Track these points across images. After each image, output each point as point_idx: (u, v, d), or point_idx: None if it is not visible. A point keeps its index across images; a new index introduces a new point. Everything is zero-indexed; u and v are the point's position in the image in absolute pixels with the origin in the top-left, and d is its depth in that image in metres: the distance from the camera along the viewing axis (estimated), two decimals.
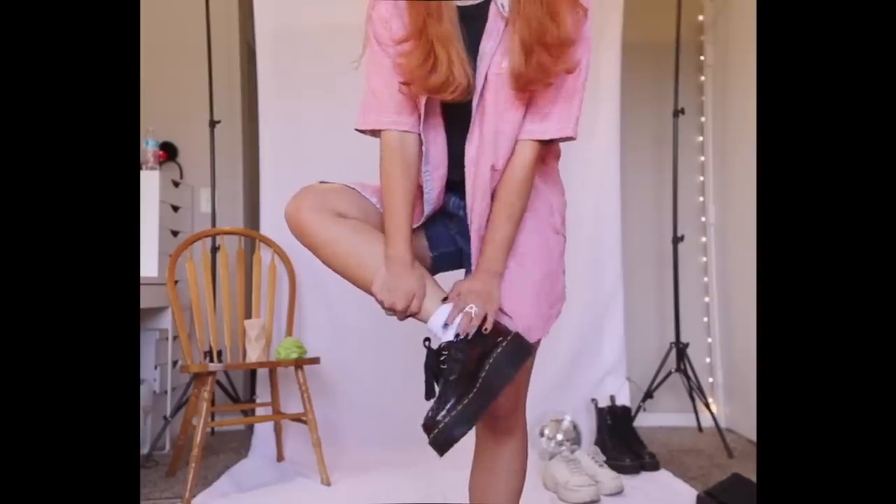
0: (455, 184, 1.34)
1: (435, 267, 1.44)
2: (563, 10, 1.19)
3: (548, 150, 1.36)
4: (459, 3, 1.23)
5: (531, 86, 1.22)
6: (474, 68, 1.23)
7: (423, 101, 1.27)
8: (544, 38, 1.17)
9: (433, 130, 1.30)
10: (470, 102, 1.25)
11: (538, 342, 1.33)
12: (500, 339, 1.19)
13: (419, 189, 1.35)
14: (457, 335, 1.21)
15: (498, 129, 1.26)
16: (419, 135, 1.29)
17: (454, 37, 1.21)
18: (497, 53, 1.23)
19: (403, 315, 1.26)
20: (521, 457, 1.41)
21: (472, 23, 1.24)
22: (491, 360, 1.17)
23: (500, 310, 1.26)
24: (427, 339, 1.25)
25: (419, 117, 1.28)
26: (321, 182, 1.36)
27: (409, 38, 1.21)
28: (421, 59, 1.20)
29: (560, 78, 1.22)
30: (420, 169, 1.32)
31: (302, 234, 1.30)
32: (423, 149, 1.31)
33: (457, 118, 1.28)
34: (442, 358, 1.21)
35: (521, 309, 1.28)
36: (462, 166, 1.29)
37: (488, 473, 1.40)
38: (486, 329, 1.20)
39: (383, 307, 1.26)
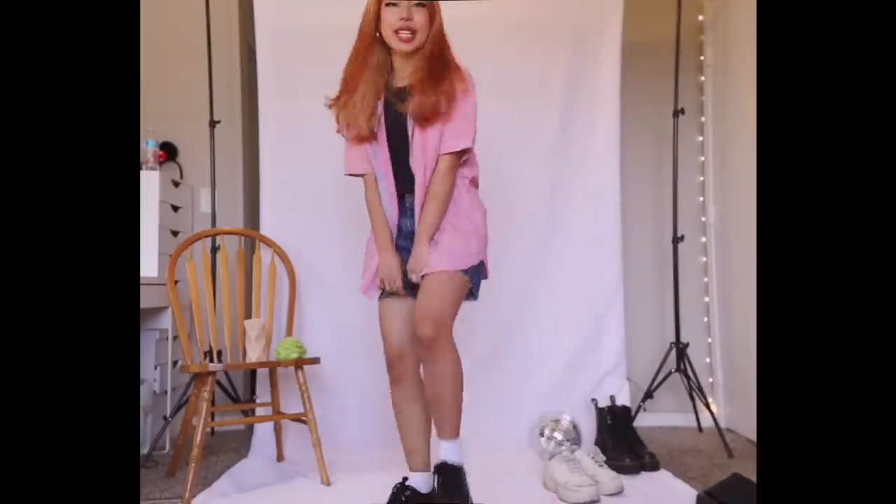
0: (406, 197, 1.98)
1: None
2: (448, 80, 1.89)
3: (463, 165, 1.99)
4: (397, 84, 1.94)
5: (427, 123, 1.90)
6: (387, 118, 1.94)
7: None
8: (437, 107, 1.87)
9: (385, 163, 1.97)
10: (403, 139, 1.93)
11: (469, 283, 1.94)
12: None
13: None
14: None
15: (427, 158, 1.91)
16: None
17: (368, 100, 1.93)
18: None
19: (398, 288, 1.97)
20: (453, 363, 1.89)
21: (399, 97, 1.92)
22: None
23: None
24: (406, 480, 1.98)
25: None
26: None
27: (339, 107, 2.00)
28: (344, 120, 1.99)
29: (455, 109, 1.89)
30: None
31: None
32: (381, 174, 1.98)
33: (400, 150, 1.94)
34: (403, 498, 1.93)
35: (449, 252, 1.91)
36: (409, 179, 1.95)
37: (431, 377, 1.92)
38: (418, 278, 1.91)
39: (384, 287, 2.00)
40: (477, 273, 1.97)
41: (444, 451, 1.91)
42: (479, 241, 1.98)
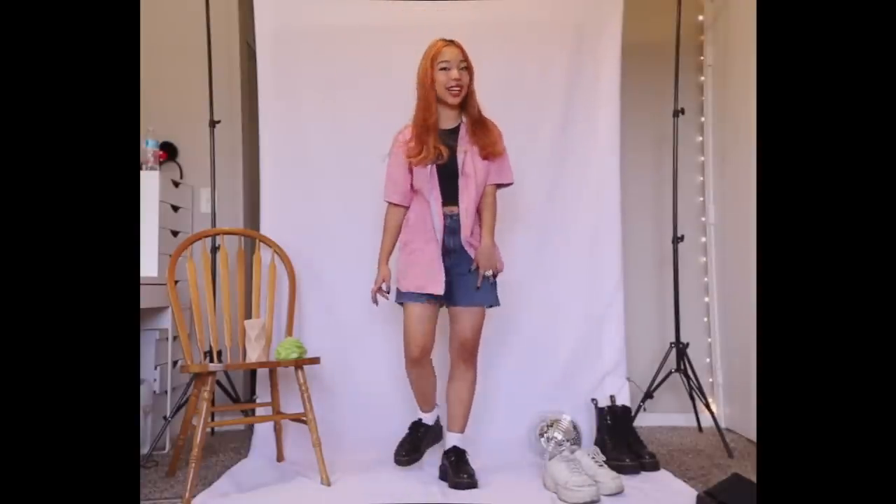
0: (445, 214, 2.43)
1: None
2: (495, 133, 2.46)
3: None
4: (443, 127, 2.43)
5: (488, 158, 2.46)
6: (450, 148, 2.41)
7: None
8: (495, 150, 2.44)
9: (435, 181, 2.41)
10: (451, 165, 2.42)
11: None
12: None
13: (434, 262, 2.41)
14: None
15: (477, 179, 2.43)
16: (407, 207, 2.48)
17: (434, 138, 2.40)
18: (467, 143, 2.44)
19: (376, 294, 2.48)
20: (475, 377, 2.50)
21: (452, 133, 2.45)
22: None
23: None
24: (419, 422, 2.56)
25: (409, 197, 2.46)
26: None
27: (413, 141, 2.41)
28: (417, 150, 2.40)
29: (504, 150, 2.49)
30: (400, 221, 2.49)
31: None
32: (428, 196, 2.41)
33: (447, 174, 2.43)
34: (420, 432, 2.55)
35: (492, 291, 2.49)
36: (449, 195, 2.42)
37: (459, 383, 2.48)
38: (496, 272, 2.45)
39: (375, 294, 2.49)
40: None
41: (454, 440, 2.46)
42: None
